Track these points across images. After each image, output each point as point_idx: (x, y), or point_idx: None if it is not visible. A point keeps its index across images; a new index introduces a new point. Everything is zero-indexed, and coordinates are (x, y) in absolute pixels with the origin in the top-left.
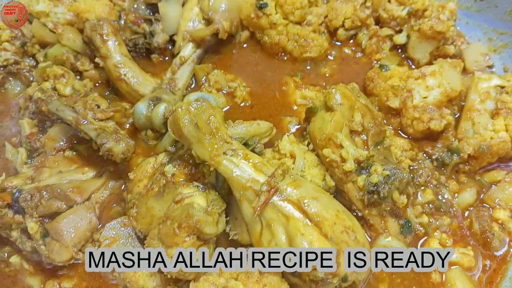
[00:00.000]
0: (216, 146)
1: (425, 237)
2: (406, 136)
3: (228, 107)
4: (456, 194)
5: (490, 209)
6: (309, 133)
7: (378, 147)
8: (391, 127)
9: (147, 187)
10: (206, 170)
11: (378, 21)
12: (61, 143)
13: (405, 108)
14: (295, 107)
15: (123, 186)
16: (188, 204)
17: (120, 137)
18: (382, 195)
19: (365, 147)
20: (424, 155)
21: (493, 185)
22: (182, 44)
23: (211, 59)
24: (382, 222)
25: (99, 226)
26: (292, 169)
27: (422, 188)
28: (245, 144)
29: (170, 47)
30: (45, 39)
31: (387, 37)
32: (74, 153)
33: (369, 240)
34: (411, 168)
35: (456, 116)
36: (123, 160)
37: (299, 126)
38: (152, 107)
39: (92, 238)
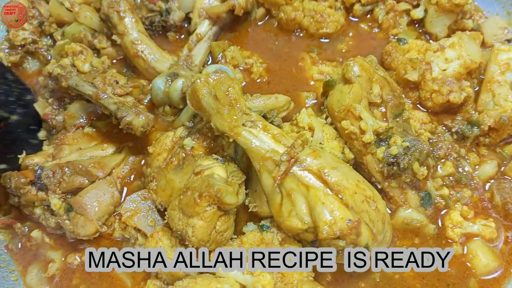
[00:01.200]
0: (235, 117)
1: (446, 209)
2: (424, 110)
3: (244, 83)
4: (476, 167)
5: (511, 181)
6: (327, 106)
7: (397, 119)
8: (409, 101)
9: (166, 160)
10: (225, 142)
11: None
12: (81, 120)
13: (423, 81)
14: (312, 83)
15: (143, 161)
16: (208, 175)
17: (140, 110)
18: (402, 166)
19: (384, 119)
20: (444, 128)
21: None
22: (198, 21)
23: (227, 37)
24: (402, 194)
25: (121, 201)
26: (311, 141)
27: (442, 161)
28: (264, 118)
29: (186, 25)
30: (62, 18)
31: (404, 11)
32: (93, 129)
33: (389, 212)
34: (431, 141)
35: (476, 89)
36: (142, 133)
37: (316, 101)
38: (170, 83)
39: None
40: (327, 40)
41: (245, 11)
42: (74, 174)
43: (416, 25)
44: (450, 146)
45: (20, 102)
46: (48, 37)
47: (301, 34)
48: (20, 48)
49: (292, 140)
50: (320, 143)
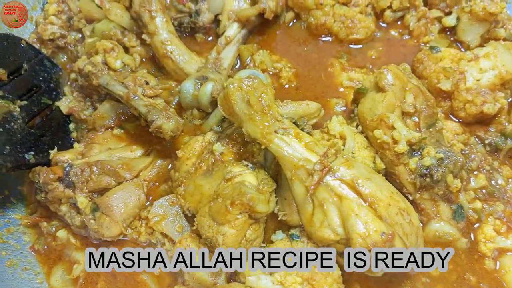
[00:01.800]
0: (267, 124)
1: (478, 223)
2: (456, 120)
3: (273, 88)
4: (510, 180)
5: None
6: (358, 114)
7: (430, 129)
8: (441, 111)
9: (195, 165)
10: (256, 149)
11: (427, 2)
12: (110, 121)
13: (457, 90)
14: (341, 89)
15: (170, 165)
16: (240, 182)
17: (170, 114)
18: (435, 178)
19: (417, 129)
20: (476, 139)
21: None
22: (227, 23)
23: (255, 39)
24: (434, 206)
25: (147, 204)
26: (343, 150)
27: (475, 173)
28: (294, 124)
29: (214, 27)
30: (92, 14)
31: (436, 19)
32: (122, 131)
33: (421, 224)
34: (463, 152)
35: (509, 100)
36: (171, 137)
37: (346, 108)
38: (199, 86)
39: (139, 215)
40: (356, 46)
41: (275, 14)
42: (102, 174)
43: (448, 33)
44: (483, 158)
45: (59, 90)
46: (76, 32)
47: (330, 39)
48: (49, 43)
49: (324, 149)
50: (352, 152)
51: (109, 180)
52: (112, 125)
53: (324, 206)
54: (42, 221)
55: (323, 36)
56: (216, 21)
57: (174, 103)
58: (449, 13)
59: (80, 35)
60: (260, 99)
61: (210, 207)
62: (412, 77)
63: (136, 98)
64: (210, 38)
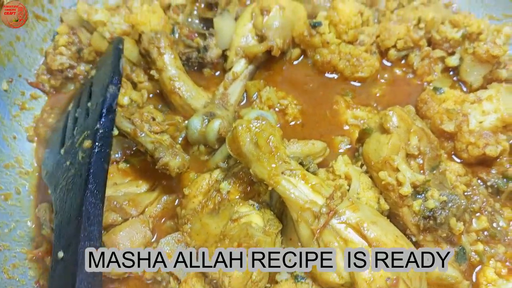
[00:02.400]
0: (274, 165)
1: (480, 266)
2: (459, 161)
3: (279, 125)
4: (511, 223)
5: None
6: (362, 154)
7: (434, 171)
8: (444, 151)
9: (201, 204)
10: (262, 189)
11: (430, 42)
12: (116, 155)
13: (460, 132)
14: (346, 127)
15: (176, 200)
16: (246, 223)
17: (176, 151)
18: (439, 221)
19: (421, 171)
20: (479, 181)
21: None
22: (235, 59)
23: (261, 75)
24: None
25: (152, 240)
26: (348, 191)
27: (477, 215)
28: (300, 164)
29: (222, 61)
30: (102, 48)
31: (439, 58)
32: (128, 165)
33: None
34: (466, 194)
35: (511, 142)
36: (177, 174)
37: (350, 146)
38: (207, 123)
39: None
40: (361, 84)
41: (281, 51)
42: (108, 210)
43: (451, 73)
44: (485, 200)
45: None
46: (85, 64)
47: (336, 76)
48: (59, 73)
49: (330, 190)
50: (357, 193)
51: (115, 217)
52: (118, 159)
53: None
54: (47, 256)
55: (328, 73)
56: (224, 56)
57: (180, 138)
58: (452, 53)
59: (90, 66)
60: (268, 140)
61: (216, 247)
62: (417, 118)
63: (143, 135)
64: (217, 73)
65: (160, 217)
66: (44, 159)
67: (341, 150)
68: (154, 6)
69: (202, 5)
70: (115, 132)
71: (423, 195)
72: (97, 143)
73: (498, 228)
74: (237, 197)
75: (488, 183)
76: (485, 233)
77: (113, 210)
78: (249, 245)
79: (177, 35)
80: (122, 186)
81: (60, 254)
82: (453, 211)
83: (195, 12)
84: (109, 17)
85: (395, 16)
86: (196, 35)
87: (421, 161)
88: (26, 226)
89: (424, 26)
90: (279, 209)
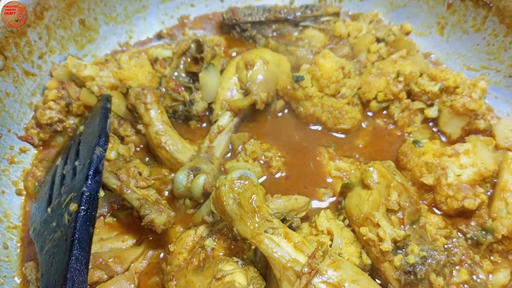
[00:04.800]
0: (257, 225)
1: None
2: (439, 212)
3: (264, 177)
4: (490, 275)
5: None
6: (345, 208)
7: (414, 225)
8: (425, 202)
9: (186, 260)
10: (246, 246)
11: (410, 94)
12: (103, 209)
13: (439, 185)
14: (329, 179)
15: (161, 255)
16: (230, 282)
17: (162, 208)
18: (419, 276)
19: (401, 225)
20: (459, 233)
21: None
22: (220, 112)
23: (246, 127)
24: None
25: None
26: (330, 246)
27: (457, 267)
28: (283, 219)
29: (208, 114)
30: (90, 103)
31: (419, 110)
32: (115, 219)
33: None
34: (446, 246)
35: (489, 193)
36: (163, 230)
37: (334, 198)
38: (192, 178)
39: None
40: (344, 136)
41: (265, 104)
42: (94, 268)
43: (430, 123)
44: (464, 252)
45: None
46: (74, 117)
47: (319, 128)
48: (47, 126)
49: (312, 248)
50: (340, 248)
51: (100, 274)
52: (105, 214)
53: None
54: None
55: (312, 124)
56: (210, 108)
57: (167, 192)
58: (431, 105)
59: (79, 119)
60: (250, 200)
61: None
62: (396, 173)
63: (129, 191)
64: (204, 125)
65: (146, 272)
66: (31, 215)
67: (324, 203)
68: (142, 60)
69: (188, 59)
70: (101, 194)
71: (403, 250)
72: (82, 207)
73: (478, 280)
74: (222, 253)
75: (468, 235)
76: (466, 286)
77: (99, 267)
78: None
79: (163, 89)
80: (108, 242)
81: None
82: (432, 266)
83: (181, 66)
84: (98, 72)
85: (375, 69)
86: (183, 88)
87: (401, 215)
88: (14, 282)
89: (403, 80)
90: (263, 263)
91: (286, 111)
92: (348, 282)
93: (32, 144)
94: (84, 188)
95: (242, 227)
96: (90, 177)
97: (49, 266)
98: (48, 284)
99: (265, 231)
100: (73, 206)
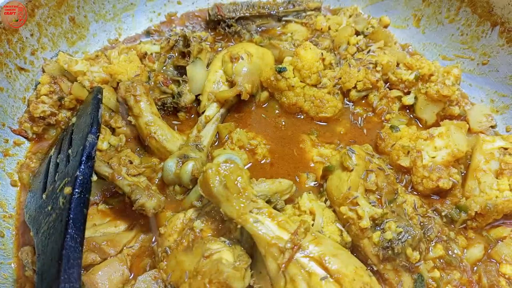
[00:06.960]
0: (243, 205)
1: None
2: (416, 193)
3: (250, 164)
4: (465, 250)
5: (497, 264)
6: (326, 190)
7: (391, 204)
8: (402, 184)
9: (176, 242)
10: (233, 226)
11: (387, 83)
12: (96, 197)
13: (415, 167)
14: (312, 164)
15: (153, 239)
16: (217, 260)
17: (152, 193)
18: (396, 251)
19: (379, 205)
20: (434, 211)
21: (499, 241)
22: (207, 104)
23: (233, 117)
24: (397, 276)
25: (130, 278)
26: (312, 225)
27: (433, 243)
28: (268, 201)
29: (195, 106)
30: (82, 96)
31: (396, 98)
32: (107, 206)
33: None
34: (422, 224)
35: (463, 173)
36: (153, 214)
37: (316, 182)
38: (181, 165)
39: None
40: (325, 124)
41: (250, 95)
42: (88, 251)
43: (407, 110)
44: (440, 229)
45: None
46: (67, 111)
47: (302, 117)
48: (40, 120)
49: (295, 226)
50: (321, 227)
51: (94, 257)
52: (97, 201)
53: (295, 281)
54: None
55: (295, 114)
56: (197, 100)
57: (157, 179)
58: (408, 93)
59: (71, 112)
60: (236, 182)
61: (190, 283)
62: (374, 156)
63: (120, 178)
64: (192, 116)
65: (138, 255)
66: (26, 203)
67: (307, 186)
68: (131, 55)
69: (176, 54)
70: (94, 178)
71: (381, 227)
72: (76, 190)
73: (453, 255)
74: (210, 234)
75: (443, 213)
76: (442, 260)
77: (92, 250)
78: (219, 281)
79: (152, 82)
80: (101, 227)
81: None
82: (409, 242)
83: (169, 61)
84: (89, 67)
85: (354, 61)
86: (171, 81)
87: (379, 196)
88: (10, 268)
89: (381, 69)
90: (249, 243)
91: (270, 101)
92: (329, 256)
93: (26, 137)
94: (78, 173)
95: (228, 207)
96: (83, 162)
97: (45, 246)
98: (45, 262)
99: (250, 211)
100: (67, 190)
